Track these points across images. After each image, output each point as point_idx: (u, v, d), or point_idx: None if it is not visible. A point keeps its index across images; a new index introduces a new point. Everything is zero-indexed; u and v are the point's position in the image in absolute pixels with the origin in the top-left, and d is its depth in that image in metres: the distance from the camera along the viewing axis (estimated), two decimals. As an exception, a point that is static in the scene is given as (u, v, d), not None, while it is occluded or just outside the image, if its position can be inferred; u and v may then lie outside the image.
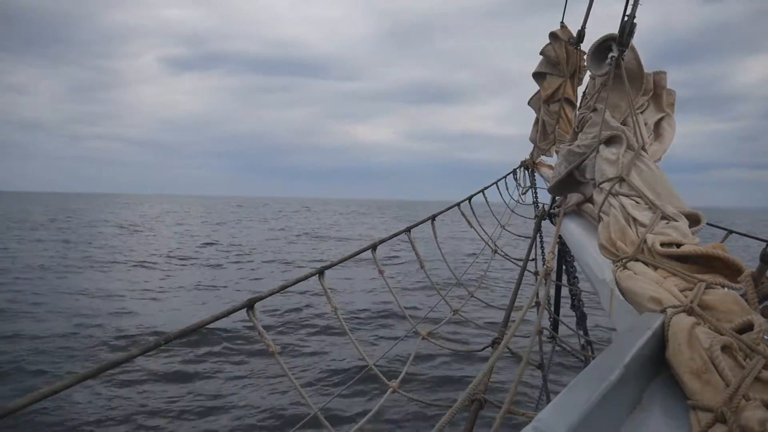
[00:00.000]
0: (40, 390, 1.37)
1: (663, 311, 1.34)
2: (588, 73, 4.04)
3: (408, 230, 4.16)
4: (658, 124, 3.32)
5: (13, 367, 9.52)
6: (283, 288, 2.45)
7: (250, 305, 2.16)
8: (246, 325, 11.93)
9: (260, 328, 2.17)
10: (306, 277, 2.70)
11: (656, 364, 1.22)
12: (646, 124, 3.20)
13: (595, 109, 3.29)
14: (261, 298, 2.25)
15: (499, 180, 8.24)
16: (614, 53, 2.99)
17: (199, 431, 7.52)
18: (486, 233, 6.05)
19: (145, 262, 23.87)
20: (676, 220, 2.00)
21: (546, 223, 5.27)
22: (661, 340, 1.24)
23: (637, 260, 1.75)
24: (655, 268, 1.67)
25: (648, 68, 3.29)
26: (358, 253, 3.39)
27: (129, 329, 12.13)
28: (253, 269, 22.78)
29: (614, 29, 3.00)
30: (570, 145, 3.27)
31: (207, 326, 1.97)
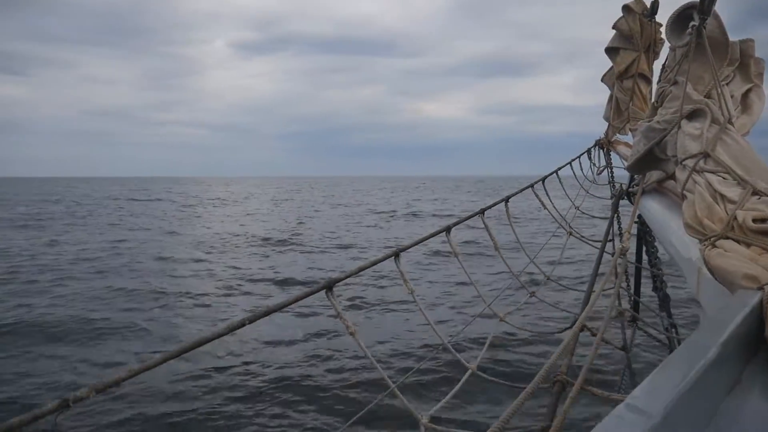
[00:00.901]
0: (132, 367, 1.43)
1: (760, 288, 1.25)
2: (666, 45, 3.83)
3: (482, 212, 4.09)
4: (745, 95, 3.11)
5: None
6: (360, 270, 2.47)
7: (328, 287, 2.18)
8: (324, 305, 12.18)
9: (339, 308, 2.19)
10: (382, 259, 2.70)
11: (754, 343, 1.14)
12: (732, 96, 3.00)
13: (675, 83, 3.11)
14: (339, 280, 2.27)
15: (573, 160, 8.00)
16: (695, 22, 2.81)
17: (279, 408, 7.75)
18: (560, 214, 5.89)
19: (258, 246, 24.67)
20: (768, 195, 1.86)
21: (624, 203, 5.07)
22: (759, 318, 1.16)
23: (727, 238, 1.64)
24: (748, 245, 1.56)
25: (733, 28, 3.08)
26: (432, 236, 3.36)
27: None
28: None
29: (689, -1, 2.81)
30: (649, 121, 3.11)
31: (288, 306, 2.01)
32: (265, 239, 26.42)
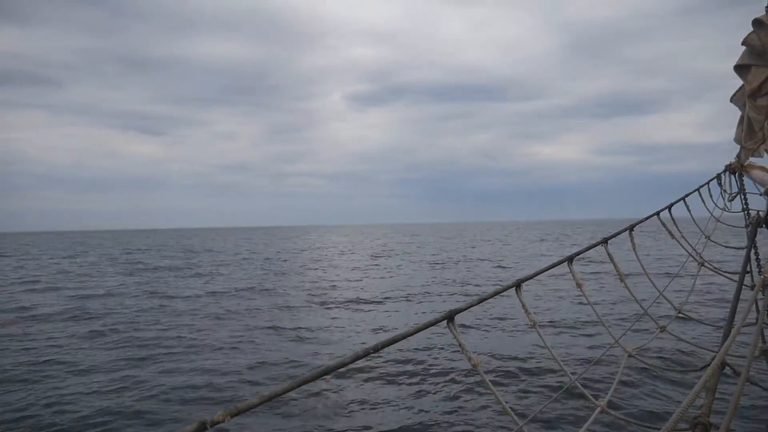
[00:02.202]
0: (263, 393, 1.46)
1: None
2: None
3: (605, 241, 3.87)
4: None
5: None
6: (480, 300, 2.40)
7: (449, 317, 2.14)
8: (444, 336, 12.04)
9: (460, 340, 2.14)
10: (503, 290, 2.61)
11: None
12: None
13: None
14: (460, 311, 2.22)
15: (702, 186, 7.40)
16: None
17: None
18: (689, 244, 5.46)
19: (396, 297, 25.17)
20: None
21: (762, 231, 4.61)
22: None
23: None
24: None
25: None
26: (553, 266, 3.22)
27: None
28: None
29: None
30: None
31: (409, 337, 1.98)
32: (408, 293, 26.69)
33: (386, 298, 20.34)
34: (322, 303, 19.44)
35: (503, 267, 31.92)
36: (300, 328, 14.88)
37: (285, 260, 41.81)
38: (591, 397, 2.56)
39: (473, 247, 50.84)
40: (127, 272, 33.45)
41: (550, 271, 3.26)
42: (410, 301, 19.64)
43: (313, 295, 21.40)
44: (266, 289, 23.35)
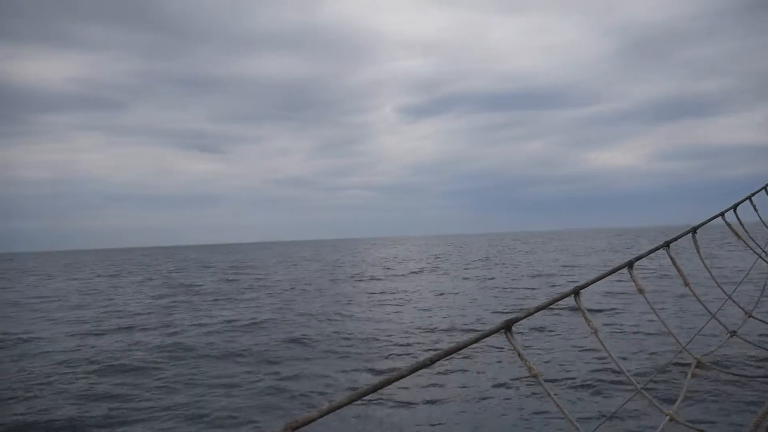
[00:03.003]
0: (321, 407, 1.45)
1: None
2: None
3: (666, 245, 3.70)
4: None
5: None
6: (538, 309, 2.33)
7: (507, 327, 2.08)
8: (502, 345, 11.82)
9: (519, 349, 2.08)
10: (561, 297, 2.53)
11: None
12: None
13: None
14: (518, 320, 2.16)
15: None
16: None
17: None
18: (758, 246, 5.18)
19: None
20: None
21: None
22: None
23: None
24: None
25: None
26: (613, 272, 3.10)
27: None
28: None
29: None
30: None
31: (467, 347, 1.94)
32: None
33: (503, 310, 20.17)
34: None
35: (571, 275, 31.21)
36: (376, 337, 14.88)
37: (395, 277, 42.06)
38: (659, 406, 2.44)
39: (556, 260, 48.50)
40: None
41: (608, 277, 3.14)
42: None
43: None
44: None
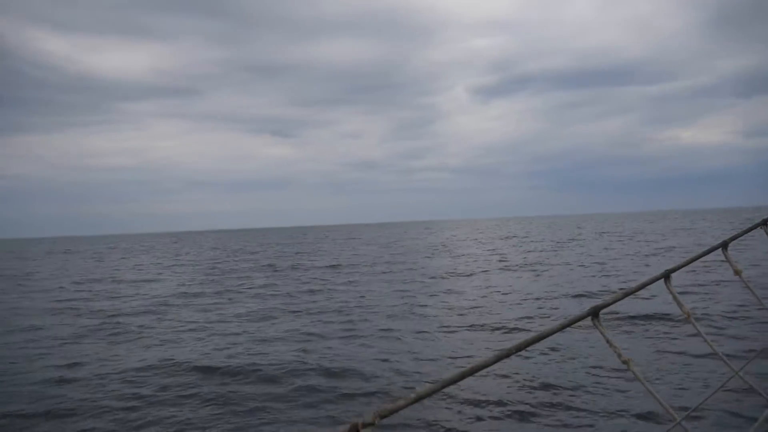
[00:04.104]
0: (409, 396, 1.45)
1: None
2: None
3: (765, 223, 3.44)
4: None
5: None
6: (626, 294, 2.23)
7: (594, 313, 2.01)
8: (585, 332, 11.47)
9: (608, 336, 2.00)
10: (650, 282, 2.40)
11: None
12: None
13: None
14: (605, 305, 2.08)
15: None
16: None
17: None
18: None
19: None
20: None
21: None
22: None
23: None
24: None
25: None
26: (705, 254, 2.91)
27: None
28: None
29: None
30: None
31: (552, 335, 1.88)
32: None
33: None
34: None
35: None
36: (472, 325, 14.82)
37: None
38: (761, 391, 2.29)
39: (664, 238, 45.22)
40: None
41: (700, 259, 2.96)
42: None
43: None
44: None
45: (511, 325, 14.28)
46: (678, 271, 2.57)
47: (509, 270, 28.04)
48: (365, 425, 1.33)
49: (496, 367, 9.70)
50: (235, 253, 58.77)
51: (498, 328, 14.06)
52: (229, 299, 21.92)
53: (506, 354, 1.69)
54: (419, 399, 1.49)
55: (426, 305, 18.27)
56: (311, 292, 23.01)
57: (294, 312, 18.05)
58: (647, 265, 26.26)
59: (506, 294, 19.93)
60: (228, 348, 13.09)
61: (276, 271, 34.54)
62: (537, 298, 18.40)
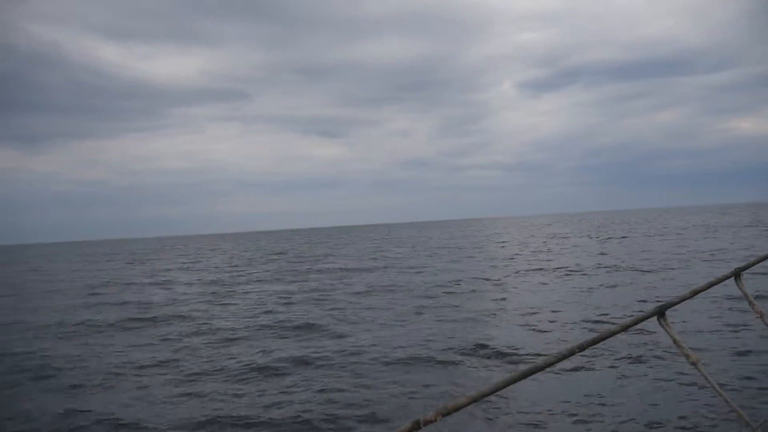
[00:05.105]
0: (470, 393, 1.45)
1: None
2: None
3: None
4: None
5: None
6: (694, 293, 2.14)
7: (660, 312, 1.94)
8: (650, 331, 11.08)
9: (675, 335, 1.93)
10: (720, 281, 2.30)
11: None
12: None
13: None
14: (672, 304, 2.00)
15: None
16: None
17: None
18: None
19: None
20: None
21: None
22: None
23: None
24: None
25: None
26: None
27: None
28: None
29: None
30: None
31: (617, 334, 1.83)
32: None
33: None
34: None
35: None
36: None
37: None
38: None
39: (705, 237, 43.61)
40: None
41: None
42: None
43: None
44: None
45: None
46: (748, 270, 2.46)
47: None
48: (427, 422, 1.34)
49: (558, 367, 9.48)
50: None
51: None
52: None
53: (568, 353, 1.66)
54: (480, 398, 1.48)
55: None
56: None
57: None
58: None
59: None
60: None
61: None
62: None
